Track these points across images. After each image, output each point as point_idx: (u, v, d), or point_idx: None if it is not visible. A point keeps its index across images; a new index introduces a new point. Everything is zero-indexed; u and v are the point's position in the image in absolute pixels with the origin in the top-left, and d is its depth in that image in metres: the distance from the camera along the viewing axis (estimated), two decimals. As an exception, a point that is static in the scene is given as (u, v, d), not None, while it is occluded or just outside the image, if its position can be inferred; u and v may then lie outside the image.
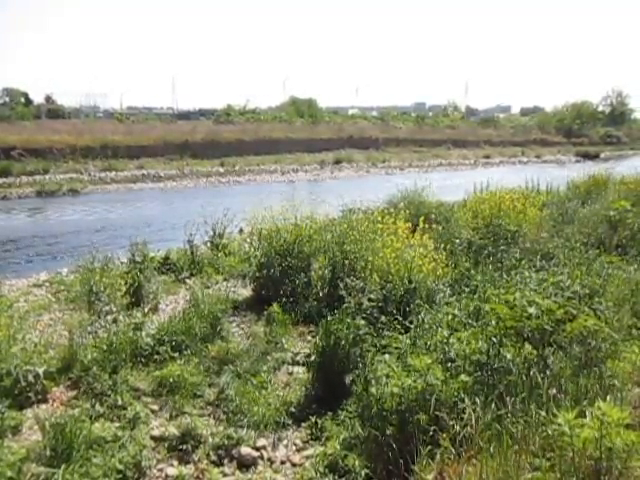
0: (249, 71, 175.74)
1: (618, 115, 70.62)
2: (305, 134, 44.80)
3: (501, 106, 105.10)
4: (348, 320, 5.71)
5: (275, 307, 7.28)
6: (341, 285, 6.69)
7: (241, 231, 12.40)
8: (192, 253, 10.19)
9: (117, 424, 4.89)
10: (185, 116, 59.01)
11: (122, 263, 9.24)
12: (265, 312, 7.37)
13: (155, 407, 5.37)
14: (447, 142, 51.60)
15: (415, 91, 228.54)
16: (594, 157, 48.39)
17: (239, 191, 26.74)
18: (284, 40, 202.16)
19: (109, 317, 7.11)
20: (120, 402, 5.24)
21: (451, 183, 23.90)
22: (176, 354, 6.21)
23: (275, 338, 6.78)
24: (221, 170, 34.10)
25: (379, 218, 8.25)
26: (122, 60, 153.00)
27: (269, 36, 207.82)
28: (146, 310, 7.60)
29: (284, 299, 7.65)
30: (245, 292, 8.69)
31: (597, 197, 13.33)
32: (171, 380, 5.59)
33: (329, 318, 5.87)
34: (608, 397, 3.53)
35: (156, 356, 6.15)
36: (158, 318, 7.21)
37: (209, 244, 11.11)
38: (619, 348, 4.84)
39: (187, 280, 9.41)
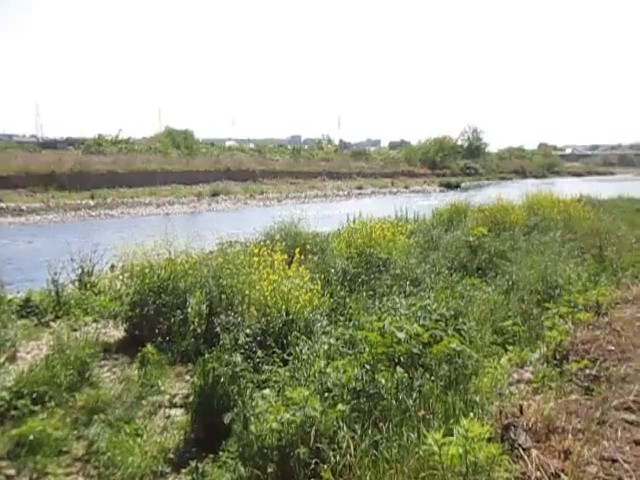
0: (122, 99, 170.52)
1: (475, 149, 77.07)
2: (181, 166, 44.01)
3: (371, 140, 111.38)
4: (225, 357, 5.59)
5: (149, 347, 6.92)
6: (216, 322, 6.55)
7: (112, 268, 11.75)
8: (57, 293, 9.44)
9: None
10: (51, 145, 55.43)
11: (-27, 309, 8.34)
12: (139, 353, 7.00)
13: (11, 471, 4.79)
14: (322, 174, 53.22)
15: (290, 124, 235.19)
16: (456, 187, 52.31)
17: (111, 225, 25.44)
18: (159, 69, 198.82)
19: (-44, 371, 6.34)
20: (-33, 471, 4.66)
21: (327, 214, 24.57)
22: (37, 407, 5.66)
23: (150, 381, 6.43)
24: (91, 203, 32.30)
25: (255, 250, 8.24)
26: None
27: (143, 63, 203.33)
28: (2, 360, 6.89)
29: (160, 338, 7.32)
30: (117, 333, 8.20)
31: (458, 224, 14.41)
32: (31, 437, 5.04)
33: (206, 356, 5.71)
34: (472, 413, 3.76)
35: (13, 412, 5.55)
36: (16, 368, 6.56)
37: (77, 283, 10.40)
38: (482, 364, 5.21)
39: (52, 323, 8.68)
